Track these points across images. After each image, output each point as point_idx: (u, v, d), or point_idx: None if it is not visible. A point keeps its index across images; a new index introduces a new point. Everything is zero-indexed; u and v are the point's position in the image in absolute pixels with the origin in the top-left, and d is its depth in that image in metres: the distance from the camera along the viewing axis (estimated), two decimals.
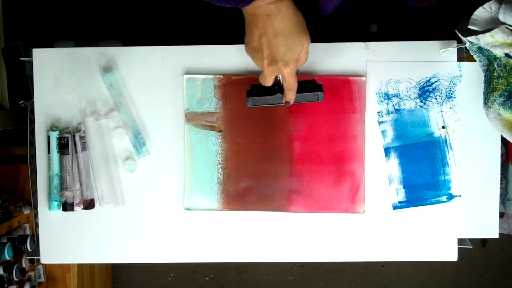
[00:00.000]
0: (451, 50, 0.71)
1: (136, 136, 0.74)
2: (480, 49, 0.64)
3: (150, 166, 0.76)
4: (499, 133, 0.66)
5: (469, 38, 0.62)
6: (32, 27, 1.29)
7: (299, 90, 0.65)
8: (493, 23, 0.60)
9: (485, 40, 0.61)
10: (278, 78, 0.64)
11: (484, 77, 0.66)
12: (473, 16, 0.61)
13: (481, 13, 0.60)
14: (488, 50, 0.63)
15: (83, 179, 0.75)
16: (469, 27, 0.61)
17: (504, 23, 0.59)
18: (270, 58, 0.59)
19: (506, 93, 0.63)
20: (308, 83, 0.68)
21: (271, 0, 0.55)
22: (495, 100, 0.64)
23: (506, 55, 0.62)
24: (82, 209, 0.75)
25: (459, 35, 0.63)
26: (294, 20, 0.58)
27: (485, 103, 0.65)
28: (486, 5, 0.60)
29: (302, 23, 0.59)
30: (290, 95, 0.65)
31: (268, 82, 0.63)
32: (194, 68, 0.74)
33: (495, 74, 0.64)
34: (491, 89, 0.64)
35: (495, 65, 0.63)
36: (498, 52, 0.62)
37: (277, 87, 0.66)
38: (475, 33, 0.61)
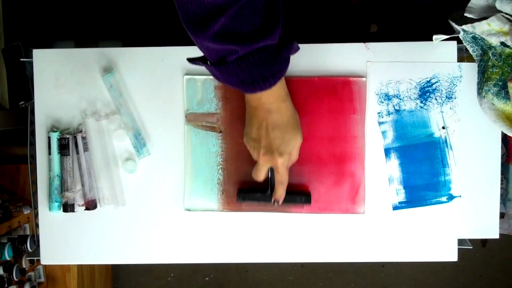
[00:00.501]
0: (452, 44, 0.70)
1: (136, 137, 0.74)
2: (474, 39, 0.64)
3: (151, 167, 0.76)
4: (492, 123, 0.66)
5: (464, 26, 0.62)
6: (32, 27, 1.29)
7: (288, 193, 0.69)
8: (489, 11, 0.60)
9: (481, 28, 0.61)
10: (269, 176, 0.69)
11: (478, 67, 0.66)
12: (469, 4, 0.61)
13: (478, 1, 0.60)
14: (483, 39, 0.63)
15: (85, 180, 0.75)
16: (465, 14, 0.61)
17: (501, 11, 0.59)
18: (267, 148, 0.64)
19: (500, 83, 0.63)
20: (298, 191, 0.73)
21: (274, 100, 0.61)
22: (489, 90, 0.64)
23: (502, 43, 0.62)
24: (85, 209, 0.75)
25: (453, 24, 0.63)
26: (292, 117, 0.64)
27: (479, 93, 0.65)
28: None
29: (298, 121, 0.66)
30: (281, 190, 0.68)
31: (261, 174, 0.67)
32: (194, 69, 0.74)
33: (489, 63, 0.64)
34: (485, 78, 0.64)
35: (490, 55, 0.63)
36: (494, 41, 0.62)
37: (268, 185, 0.70)
38: (471, 21, 0.61)
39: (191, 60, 0.60)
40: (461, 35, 0.64)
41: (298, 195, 0.72)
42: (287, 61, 0.58)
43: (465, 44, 0.65)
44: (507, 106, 0.63)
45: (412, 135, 0.74)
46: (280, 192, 0.68)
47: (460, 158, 0.74)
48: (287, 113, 0.64)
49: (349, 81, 0.73)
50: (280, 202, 0.69)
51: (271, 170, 0.69)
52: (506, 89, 0.62)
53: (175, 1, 0.52)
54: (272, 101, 0.62)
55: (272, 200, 0.69)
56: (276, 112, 0.62)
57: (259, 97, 0.61)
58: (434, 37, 0.66)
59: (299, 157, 0.70)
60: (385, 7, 0.66)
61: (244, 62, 0.54)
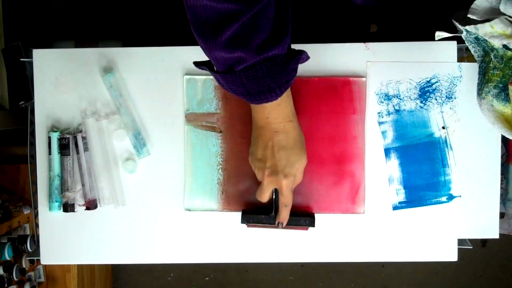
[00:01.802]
0: (452, 44, 0.70)
1: (136, 137, 0.74)
2: (476, 40, 0.64)
3: (151, 167, 0.76)
4: (491, 125, 0.66)
5: (467, 27, 0.62)
6: (32, 27, 1.29)
7: (293, 215, 0.69)
8: (493, 14, 0.60)
9: (484, 30, 0.61)
10: (273, 197, 0.69)
11: (479, 68, 0.66)
12: (473, 5, 0.61)
13: (481, 2, 0.60)
14: (486, 40, 0.63)
15: (85, 180, 0.75)
16: (468, 16, 0.61)
17: (504, 14, 0.59)
18: (272, 169, 0.63)
19: (500, 85, 0.63)
20: (302, 212, 0.73)
21: (281, 120, 0.61)
22: (489, 92, 0.63)
23: (504, 46, 0.61)
24: (86, 209, 0.75)
25: (456, 24, 0.63)
26: (298, 139, 0.64)
27: (479, 94, 0.65)
28: None
29: (303, 143, 0.65)
30: (285, 213, 0.67)
31: (265, 195, 0.66)
32: (194, 69, 0.74)
33: (490, 65, 0.64)
34: (485, 80, 0.64)
35: (492, 56, 0.63)
36: (496, 43, 0.62)
37: (272, 207, 0.70)
38: (474, 22, 0.61)
39: (197, 64, 0.60)
40: (463, 35, 0.64)
41: (302, 218, 0.72)
42: (294, 72, 0.58)
43: (467, 44, 0.65)
44: (506, 109, 0.63)
45: (412, 135, 0.74)
46: (284, 215, 0.68)
47: (460, 158, 0.74)
48: (293, 134, 0.63)
49: (349, 81, 0.73)
50: (284, 224, 0.69)
51: (275, 191, 0.68)
52: (506, 91, 0.62)
53: (186, 7, 0.51)
54: (279, 121, 0.61)
55: (276, 222, 0.69)
56: (283, 133, 0.62)
57: (266, 116, 0.61)
58: (437, 33, 0.65)
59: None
60: (385, 7, 0.66)
61: (251, 71, 0.54)
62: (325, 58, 0.73)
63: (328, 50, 0.73)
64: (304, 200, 0.74)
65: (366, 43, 0.73)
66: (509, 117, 0.63)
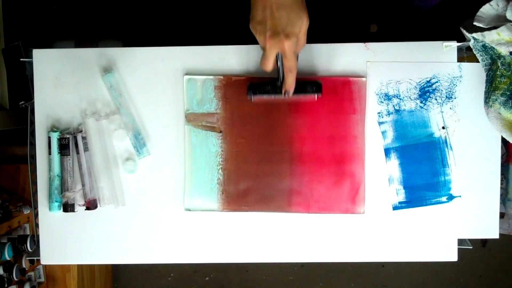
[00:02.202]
0: (454, 46, 0.71)
1: (136, 137, 0.74)
2: (484, 47, 0.64)
3: (151, 167, 0.76)
4: (499, 132, 0.66)
5: (474, 34, 0.62)
6: (32, 27, 1.29)
7: (299, 83, 0.66)
8: (499, 21, 0.60)
9: (490, 37, 0.61)
10: (278, 66, 0.65)
11: (486, 76, 0.66)
12: (478, 13, 0.60)
13: (487, 10, 0.60)
14: (493, 48, 0.62)
15: (85, 180, 0.75)
16: (474, 23, 0.61)
17: (511, 21, 0.59)
18: (273, 30, 0.61)
19: (508, 93, 0.63)
20: (307, 81, 0.70)
21: None
22: (496, 99, 0.63)
23: (511, 53, 0.61)
24: (86, 209, 0.75)
25: (464, 32, 0.63)
26: None
27: (486, 102, 0.65)
28: (493, 2, 0.60)
29: (303, 1, 0.62)
30: (290, 79, 0.65)
31: (269, 62, 0.64)
32: (194, 69, 0.74)
33: (498, 73, 0.64)
34: (492, 88, 0.64)
35: (499, 64, 0.63)
36: (503, 51, 0.62)
37: (278, 76, 0.67)
38: (481, 30, 0.61)
39: None
40: (471, 43, 0.64)
41: (308, 84, 0.69)
42: None
43: (475, 52, 0.65)
44: None
45: (412, 135, 0.74)
46: (290, 81, 0.65)
47: (460, 158, 0.74)
48: None
49: (349, 81, 0.73)
50: (291, 92, 0.67)
51: (280, 59, 0.65)
52: None
53: None
54: None
55: (283, 91, 0.67)
56: None
57: None
58: (444, 44, 0.66)
59: (299, 157, 0.70)
60: (385, 7, 0.66)
61: None
62: (325, 58, 0.73)
63: (328, 50, 0.73)
64: (304, 199, 0.74)
65: (366, 43, 0.73)
66: None
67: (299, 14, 0.62)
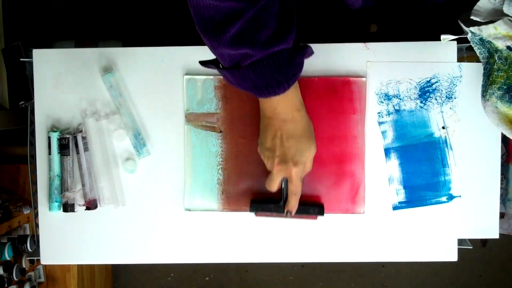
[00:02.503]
0: (451, 40, 0.70)
1: (136, 137, 0.74)
2: (481, 41, 0.63)
3: (151, 167, 0.76)
4: (496, 126, 0.66)
5: (471, 28, 0.62)
6: (32, 27, 1.29)
7: (301, 204, 0.69)
8: (496, 15, 0.60)
9: (487, 31, 0.61)
10: (283, 187, 0.68)
11: (484, 69, 0.65)
12: (475, 7, 0.60)
13: (484, 4, 0.60)
14: (490, 42, 0.62)
15: (85, 180, 0.75)
16: (471, 17, 0.60)
17: (508, 15, 0.58)
18: (281, 158, 0.63)
19: (505, 87, 0.63)
20: (311, 202, 0.73)
21: (289, 110, 0.61)
22: (493, 93, 0.63)
23: (508, 47, 0.61)
24: (86, 209, 0.75)
25: (462, 25, 0.63)
26: (307, 128, 0.64)
27: (483, 96, 0.65)
28: None
29: (312, 131, 0.65)
30: (293, 201, 0.67)
31: (274, 184, 0.66)
32: (194, 69, 0.74)
33: (495, 66, 0.63)
34: (490, 82, 0.64)
35: (496, 58, 0.63)
36: (500, 45, 0.61)
37: (281, 196, 0.69)
38: (479, 24, 0.61)
39: (203, 63, 0.60)
40: (469, 36, 0.64)
41: (311, 207, 0.71)
42: (300, 66, 0.58)
43: (472, 45, 0.65)
44: (510, 110, 0.63)
45: (412, 135, 0.74)
46: (293, 203, 0.68)
47: (460, 158, 0.74)
48: (302, 123, 0.64)
49: (349, 81, 0.73)
50: (293, 213, 0.69)
51: (285, 181, 0.68)
52: (511, 93, 0.62)
53: (190, 8, 0.52)
54: (287, 111, 0.62)
55: (285, 211, 0.69)
56: (291, 122, 0.62)
57: (274, 106, 0.61)
58: (442, 36, 0.65)
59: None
60: (385, 7, 0.66)
61: (258, 66, 0.54)
62: (325, 58, 0.73)
63: (328, 50, 0.73)
64: (303, 195, 0.74)
65: (366, 43, 0.73)
66: None
67: (308, 144, 0.64)
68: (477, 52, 0.65)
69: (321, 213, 0.71)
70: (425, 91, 0.73)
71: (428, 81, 0.73)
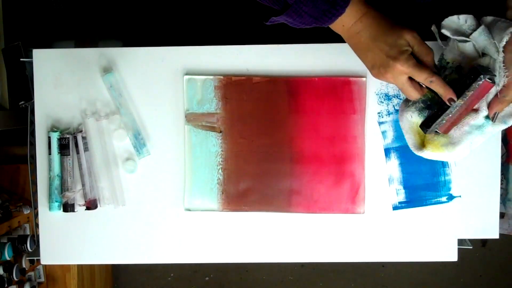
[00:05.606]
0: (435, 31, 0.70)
1: (136, 137, 0.74)
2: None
3: (151, 167, 0.76)
4: (404, 133, 0.65)
5: (442, 42, 0.63)
6: (32, 27, 1.29)
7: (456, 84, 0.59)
8: (461, 35, 0.60)
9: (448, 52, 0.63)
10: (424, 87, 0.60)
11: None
12: (443, 22, 0.61)
13: (452, 21, 0.60)
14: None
15: (85, 180, 0.75)
16: (441, 31, 0.61)
17: (469, 41, 0.59)
18: (381, 63, 0.59)
19: (428, 102, 0.63)
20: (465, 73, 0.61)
21: (355, 19, 0.58)
22: (416, 103, 0.63)
23: (457, 67, 0.63)
24: (86, 209, 0.75)
25: (435, 31, 0.63)
26: (383, 23, 0.59)
27: (406, 101, 0.65)
28: (461, 16, 0.60)
29: (390, 22, 0.59)
30: (438, 87, 0.58)
31: (409, 92, 0.60)
32: (194, 69, 0.74)
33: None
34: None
35: (442, 72, 0.64)
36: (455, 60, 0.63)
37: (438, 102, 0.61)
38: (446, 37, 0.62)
39: (267, 22, 0.59)
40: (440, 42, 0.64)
41: (466, 76, 0.58)
42: None
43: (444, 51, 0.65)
44: (419, 122, 0.63)
45: None
46: (440, 89, 0.58)
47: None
48: (374, 21, 0.59)
49: (349, 81, 0.73)
50: (453, 95, 0.58)
51: (419, 84, 0.59)
52: (429, 109, 0.62)
53: None
54: (353, 21, 0.59)
55: (447, 101, 0.59)
56: (364, 29, 0.59)
57: (341, 25, 0.59)
58: (433, 27, 0.65)
59: (299, 157, 0.70)
60: (384, 7, 0.66)
61: None
62: (325, 58, 0.73)
63: (328, 50, 0.73)
64: (304, 199, 0.74)
65: None
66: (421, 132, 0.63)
67: (395, 34, 0.58)
68: (449, 56, 0.64)
69: (492, 80, 0.57)
70: None
71: None
